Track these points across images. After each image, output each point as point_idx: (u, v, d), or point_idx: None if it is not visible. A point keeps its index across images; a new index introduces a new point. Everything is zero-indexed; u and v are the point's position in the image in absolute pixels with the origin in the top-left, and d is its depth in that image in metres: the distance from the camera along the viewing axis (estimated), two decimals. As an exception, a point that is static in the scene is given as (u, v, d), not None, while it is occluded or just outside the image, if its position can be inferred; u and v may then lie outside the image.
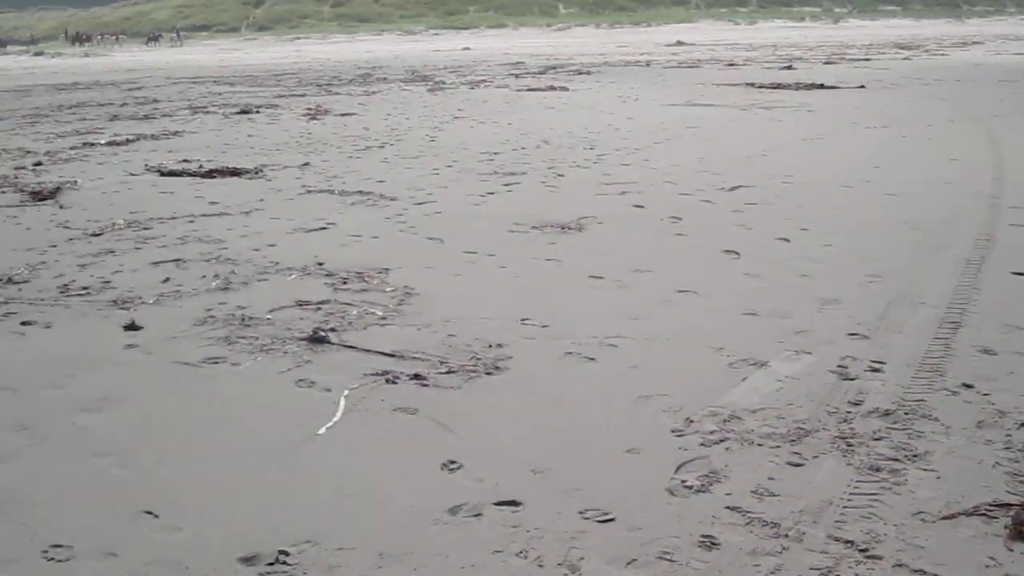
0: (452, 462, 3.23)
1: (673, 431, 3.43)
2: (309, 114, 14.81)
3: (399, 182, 8.55)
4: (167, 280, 5.53)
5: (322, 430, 3.49)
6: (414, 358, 4.18)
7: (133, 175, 9.51)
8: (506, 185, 8.33)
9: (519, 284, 5.38)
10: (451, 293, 5.16)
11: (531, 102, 16.10)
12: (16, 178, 9.52)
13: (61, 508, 3.00)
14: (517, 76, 22.59)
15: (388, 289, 5.21)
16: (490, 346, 4.32)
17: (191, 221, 7.13)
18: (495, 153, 10.23)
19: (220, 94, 19.96)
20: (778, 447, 3.26)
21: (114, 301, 5.16)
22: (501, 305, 4.92)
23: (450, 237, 6.41)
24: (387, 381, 3.93)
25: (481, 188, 8.20)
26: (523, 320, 4.67)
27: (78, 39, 73.19)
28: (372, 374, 4.00)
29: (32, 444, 3.47)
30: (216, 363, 4.20)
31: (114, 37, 74.82)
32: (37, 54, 62.86)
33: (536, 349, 4.30)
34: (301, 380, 3.97)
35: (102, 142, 12.26)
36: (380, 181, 8.62)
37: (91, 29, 79.09)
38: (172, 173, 9.43)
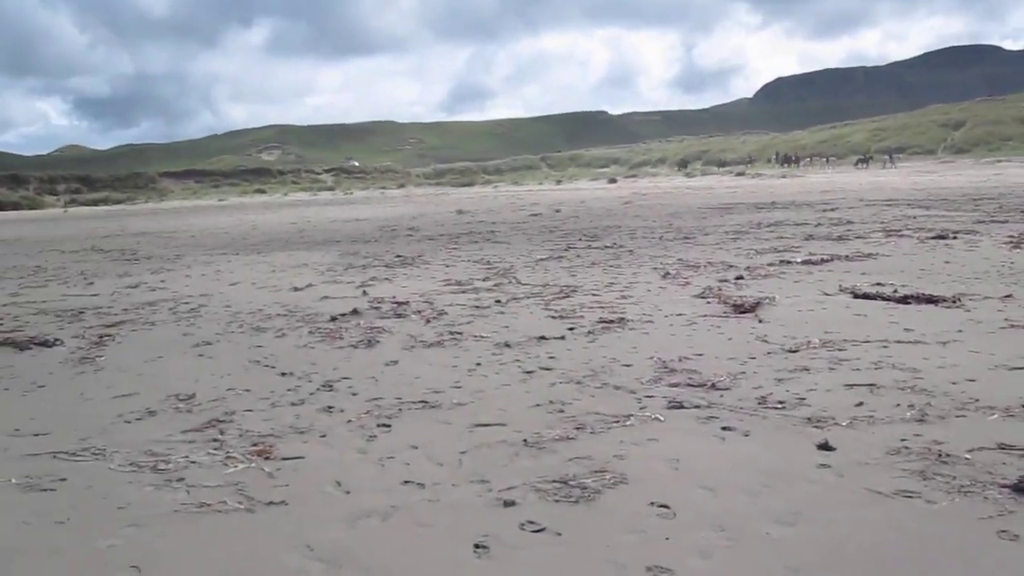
0: None
1: None
2: (1012, 242, 13.89)
3: (1121, 323, 7.59)
4: (860, 404, 5.56)
5: (1028, 591, 3.22)
6: None
7: (827, 295, 9.79)
8: None
9: None
10: None
11: None
12: (720, 290, 10.39)
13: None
14: None
15: (1108, 445, 4.65)
16: None
17: (885, 346, 7.08)
18: None
19: (914, 217, 19.72)
20: None
21: (808, 419, 5.32)
22: None
23: None
24: (1108, 550, 3.50)
25: None
26: None
27: (787, 160, 78.77)
28: (1093, 539, 3.60)
29: (728, 547, 3.71)
30: (910, 497, 4.10)
31: (824, 159, 78.74)
32: (739, 174, 68.66)
33: None
34: (1003, 531, 3.71)
35: (798, 260, 12.84)
36: (1096, 319, 7.74)
37: (790, 151, 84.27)
38: (866, 296, 9.50)
